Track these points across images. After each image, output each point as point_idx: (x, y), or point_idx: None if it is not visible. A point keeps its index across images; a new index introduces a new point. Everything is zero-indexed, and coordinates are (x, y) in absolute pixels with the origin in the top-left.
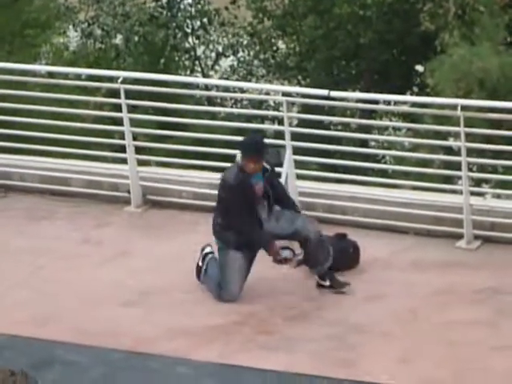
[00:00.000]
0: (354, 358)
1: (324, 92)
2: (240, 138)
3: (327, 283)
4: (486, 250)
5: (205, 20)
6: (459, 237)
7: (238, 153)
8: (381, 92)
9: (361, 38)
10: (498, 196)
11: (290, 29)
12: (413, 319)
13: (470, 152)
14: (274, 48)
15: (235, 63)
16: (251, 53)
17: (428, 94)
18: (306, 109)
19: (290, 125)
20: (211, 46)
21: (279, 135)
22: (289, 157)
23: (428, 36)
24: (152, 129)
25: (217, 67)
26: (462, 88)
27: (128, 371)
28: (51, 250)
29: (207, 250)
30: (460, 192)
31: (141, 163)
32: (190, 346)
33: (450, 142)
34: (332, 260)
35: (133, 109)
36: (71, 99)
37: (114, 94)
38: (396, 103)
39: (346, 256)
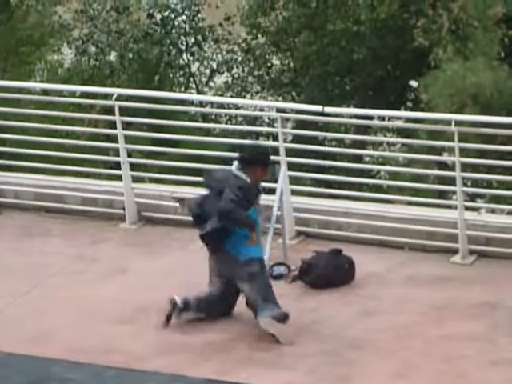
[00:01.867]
0: (350, 374)
1: (318, 108)
2: (234, 154)
3: None
4: (481, 264)
5: (199, 37)
6: (454, 252)
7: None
8: (375, 107)
9: (354, 54)
10: (493, 211)
11: (284, 45)
12: (408, 334)
13: (465, 167)
14: (269, 64)
15: (229, 80)
16: (245, 69)
17: (422, 110)
18: (300, 125)
19: (285, 141)
20: (205, 63)
21: (274, 151)
22: (284, 173)
23: (422, 51)
24: (146, 145)
25: (211, 84)
26: (456, 103)
27: None
28: (46, 267)
29: None
30: (455, 207)
31: (135, 180)
32: (186, 362)
33: (445, 157)
34: None
35: (127, 126)
36: (66, 116)
37: (109, 110)
38: (390, 119)
39: (341, 271)
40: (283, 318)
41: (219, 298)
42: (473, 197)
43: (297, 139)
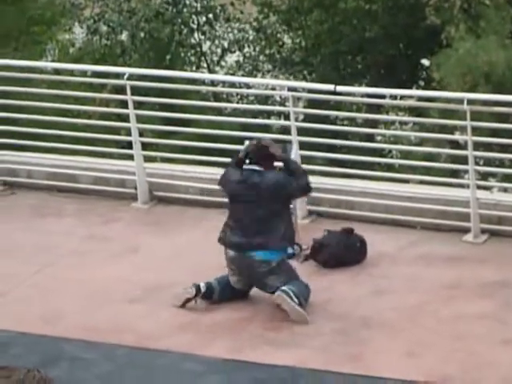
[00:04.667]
0: (362, 353)
1: (330, 87)
2: (245, 134)
3: None
4: (493, 243)
5: (210, 16)
6: (466, 231)
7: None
8: (387, 86)
9: (366, 33)
10: (505, 190)
11: (296, 24)
12: (420, 313)
13: (477, 146)
14: (280, 43)
15: (241, 59)
16: (257, 48)
17: (434, 88)
18: (312, 104)
19: (297, 120)
20: (217, 42)
21: (285, 130)
22: (295, 152)
23: (434, 30)
24: (158, 125)
25: (223, 63)
26: (468, 82)
27: (135, 367)
28: (58, 247)
29: None
30: (467, 186)
31: (147, 159)
32: (197, 341)
33: (457, 136)
34: None
35: (139, 105)
36: (77, 96)
37: (120, 90)
38: (402, 97)
39: (353, 251)
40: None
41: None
42: (485, 176)
43: (308, 118)
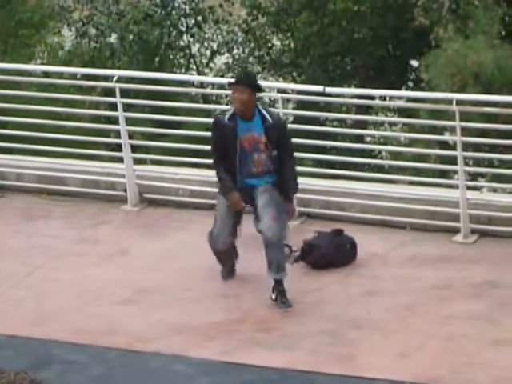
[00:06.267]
0: (352, 354)
1: (319, 88)
2: None
3: (273, 297)
4: (482, 244)
5: (199, 18)
6: (456, 231)
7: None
8: (376, 87)
9: (355, 34)
10: (494, 190)
11: (285, 25)
12: (410, 314)
13: (466, 146)
14: (269, 45)
15: (230, 60)
16: (246, 50)
17: (423, 89)
18: (301, 105)
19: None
20: (206, 44)
21: None
22: None
23: (422, 31)
24: (147, 127)
25: (212, 65)
26: (457, 82)
27: (126, 369)
28: (48, 249)
29: None
30: (456, 186)
31: (137, 162)
32: (188, 343)
33: (446, 137)
34: (284, 274)
35: (128, 107)
36: (67, 98)
37: (110, 92)
38: (391, 98)
39: (343, 252)
40: None
41: None
42: (474, 176)
43: (298, 120)
